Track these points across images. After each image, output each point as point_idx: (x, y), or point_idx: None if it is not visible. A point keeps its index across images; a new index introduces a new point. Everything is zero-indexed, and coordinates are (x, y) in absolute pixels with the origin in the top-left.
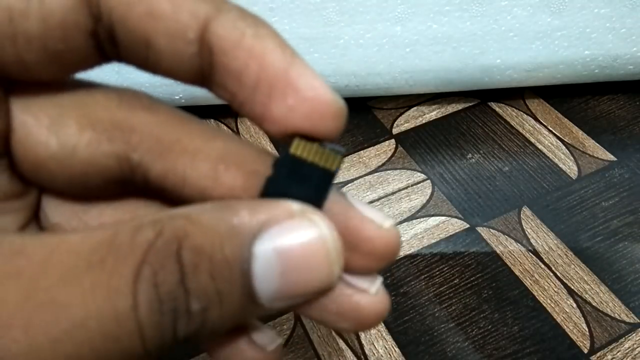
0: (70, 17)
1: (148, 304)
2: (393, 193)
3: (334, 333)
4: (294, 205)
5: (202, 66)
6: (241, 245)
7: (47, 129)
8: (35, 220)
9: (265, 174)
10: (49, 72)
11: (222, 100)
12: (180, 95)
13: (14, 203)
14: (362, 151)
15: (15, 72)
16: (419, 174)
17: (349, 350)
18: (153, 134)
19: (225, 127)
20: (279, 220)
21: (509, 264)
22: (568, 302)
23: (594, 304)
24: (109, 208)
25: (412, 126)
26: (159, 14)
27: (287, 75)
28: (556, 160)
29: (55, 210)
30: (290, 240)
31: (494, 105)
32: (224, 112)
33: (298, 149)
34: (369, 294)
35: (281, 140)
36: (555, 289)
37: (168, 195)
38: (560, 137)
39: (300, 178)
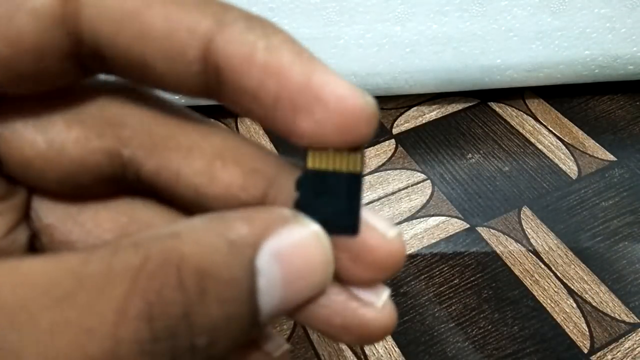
0: (43, 41)
1: (136, 346)
2: (393, 193)
3: None
4: (286, 211)
5: (209, 84)
6: (245, 261)
7: (33, 126)
8: (25, 222)
9: (265, 172)
10: (22, 89)
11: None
12: None
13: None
14: None
15: None
16: (419, 174)
17: (348, 350)
18: (145, 129)
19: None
20: (275, 228)
21: (509, 264)
22: (568, 302)
23: (594, 304)
24: (104, 208)
25: (412, 126)
26: (152, 34)
27: (311, 88)
28: (556, 160)
29: (47, 210)
30: (290, 245)
31: (494, 105)
32: (224, 112)
33: (315, 161)
34: (375, 307)
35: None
36: (555, 289)
37: (161, 194)
38: (560, 137)
39: (328, 191)
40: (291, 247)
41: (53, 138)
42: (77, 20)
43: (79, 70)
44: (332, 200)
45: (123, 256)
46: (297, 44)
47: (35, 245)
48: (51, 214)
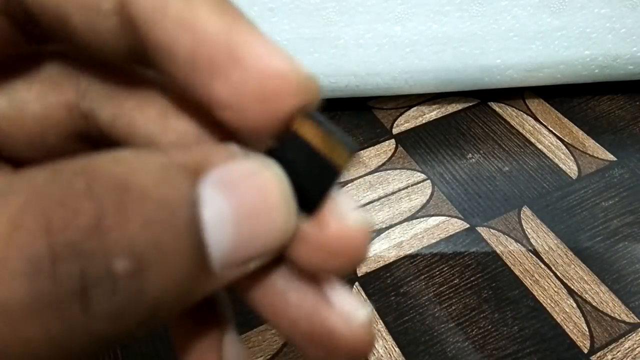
0: None
1: (29, 263)
2: (393, 193)
3: None
4: (234, 147)
5: (130, 43)
6: (183, 184)
7: None
8: None
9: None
10: None
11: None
12: None
13: None
14: (362, 151)
15: None
16: (419, 174)
17: None
18: (101, 81)
19: None
20: (221, 159)
21: (509, 264)
22: (568, 302)
23: (594, 304)
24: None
25: (412, 126)
26: None
27: (229, 46)
28: (556, 160)
29: None
30: (241, 178)
31: (494, 105)
32: None
33: (303, 127)
34: (351, 323)
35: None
36: (555, 289)
37: (120, 145)
38: (560, 137)
39: (302, 161)
40: (243, 179)
41: (14, 97)
42: None
43: (20, 36)
44: (302, 172)
45: (28, 173)
46: (225, 2)
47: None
48: None
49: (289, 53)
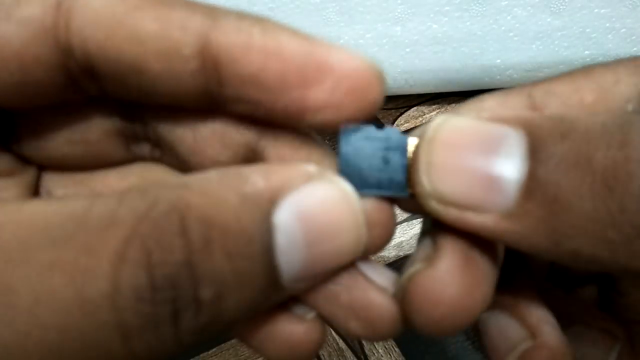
0: (29, 50)
1: (134, 291)
2: None
3: (334, 333)
4: (311, 167)
5: (208, 84)
6: (259, 216)
7: None
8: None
9: None
10: (11, 102)
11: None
12: None
13: (6, 181)
14: None
15: None
16: None
17: (349, 350)
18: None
19: None
20: (297, 184)
21: None
22: None
23: None
24: (113, 172)
25: (412, 126)
26: (145, 36)
27: (315, 59)
28: None
29: (57, 182)
30: (313, 204)
31: None
32: None
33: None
34: (386, 293)
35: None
36: None
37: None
38: None
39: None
40: (314, 204)
41: None
42: (67, 31)
43: (71, 88)
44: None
45: (129, 202)
46: (289, 27)
47: None
48: (61, 186)
49: (361, 52)
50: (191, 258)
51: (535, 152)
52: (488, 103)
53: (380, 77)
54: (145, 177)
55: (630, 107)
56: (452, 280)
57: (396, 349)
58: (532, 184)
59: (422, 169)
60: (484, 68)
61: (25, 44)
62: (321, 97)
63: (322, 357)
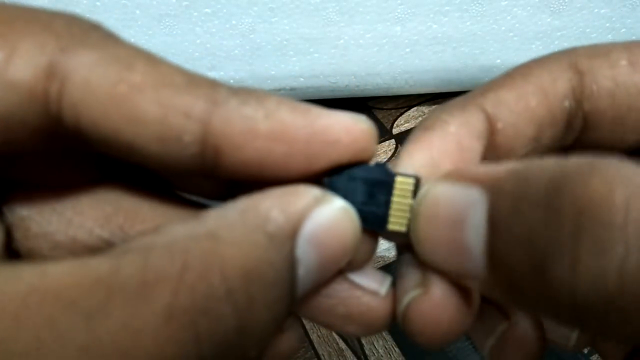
0: (15, 115)
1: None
2: None
3: (334, 333)
4: (315, 190)
5: (205, 163)
6: (286, 255)
7: None
8: None
9: None
10: None
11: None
12: None
13: None
14: None
15: None
16: None
17: (348, 350)
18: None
19: None
20: (309, 212)
21: None
22: None
23: None
24: (85, 197)
25: (412, 126)
26: (145, 120)
27: (319, 136)
28: None
29: (22, 202)
30: (324, 229)
31: None
32: None
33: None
34: (379, 295)
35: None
36: None
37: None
38: None
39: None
40: (325, 228)
41: None
42: (60, 101)
43: (53, 142)
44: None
45: (158, 262)
46: (286, 99)
47: (11, 246)
48: (27, 206)
49: (356, 115)
50: (240, 323)
51: (494, 223)
52: (451, 127)
53: (375, 133)
54: (119, 207)
55: (567, 103)
56: (447, 303)
57: (396, 349)
58: (493, 256)
59: (413, 241)
60: (484, 68)
61: (11, 109)
62: (328, 164)
63: (322, 357)
